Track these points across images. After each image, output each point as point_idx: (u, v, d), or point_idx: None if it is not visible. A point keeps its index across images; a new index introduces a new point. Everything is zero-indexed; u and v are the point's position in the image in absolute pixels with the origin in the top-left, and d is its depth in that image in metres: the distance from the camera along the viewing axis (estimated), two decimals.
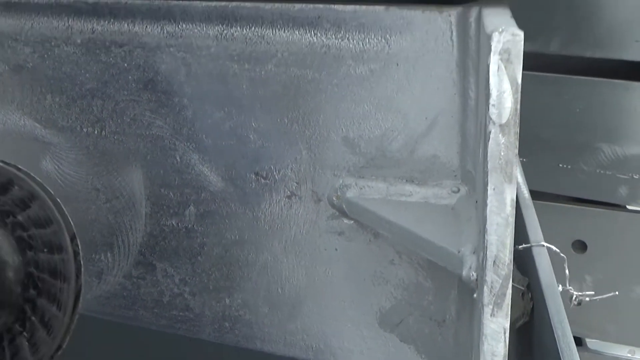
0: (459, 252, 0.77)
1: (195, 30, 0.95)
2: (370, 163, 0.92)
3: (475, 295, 0.74)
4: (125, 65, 0.99)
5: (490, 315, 0.70)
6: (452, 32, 0.85)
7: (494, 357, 0.70)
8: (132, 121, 1.01)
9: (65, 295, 0.91)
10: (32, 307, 0.91)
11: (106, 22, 0.98)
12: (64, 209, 0.92)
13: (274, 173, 0.97)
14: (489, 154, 0.66)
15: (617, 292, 1.20)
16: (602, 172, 1.54)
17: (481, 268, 0.71)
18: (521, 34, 0.64)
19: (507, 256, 0.69)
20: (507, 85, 0.65)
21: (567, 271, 0.95)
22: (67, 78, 1.02)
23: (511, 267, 0.70)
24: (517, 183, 1.16)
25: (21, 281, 0.90)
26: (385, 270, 0.95)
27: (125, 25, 0.97)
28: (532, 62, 1.55)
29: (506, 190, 0.68)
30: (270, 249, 1.00)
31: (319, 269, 0.98)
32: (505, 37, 0.64)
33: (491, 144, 0.66)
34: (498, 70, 0.65)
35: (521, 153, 1.53)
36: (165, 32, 0.96)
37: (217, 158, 0.99)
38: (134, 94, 0.99)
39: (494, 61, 0.65)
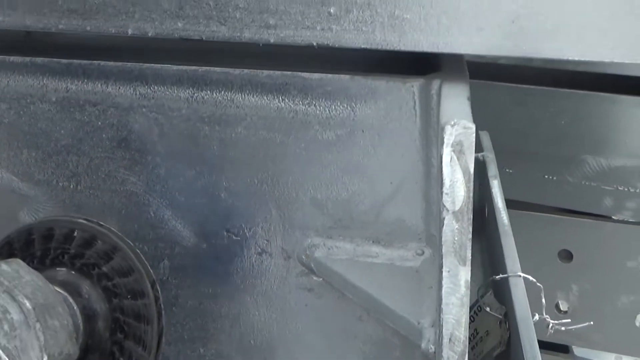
0: (418, 323, 0.80)
1: (167, 92, 0.97)
2: (338, 224, 0.94)
3: None
4: (100, 123, 1.01)
5: None
6: (414, 102, 0.87)
7: None
8: (107, 177, 1.03)
9: (149, 336, 0.98)
10: (119, 349, 0.98)
11: (80, 81, 1.00)
12: (143, 258, 1.00)
13: (245, 230, 0.99)
14: (443, 239, 0.69)
15: (592, 322, 1.23)
16: (587, 183, 1.57)
17: (438, 343, 0.74)
18: (473, 126, 0.67)
19: (462, 334, 0.72)
20: (459, 175, 0.67)
21: (543, 300, 0.98)
22: (43, 134, 1.03)
23: (467, 343, 0.72)
24: (497, 209, 1.19)
25: (109, 326, 0.97)
26: (354, 326, 0.98)
27: (99, 85, 0.99)
28: (519, 74, 1.57)
29: (460, 272, 0.70)
30: (242, 302, 1.02)
31: (289, 322, 1.01)
32: (458, 130, 0.67)
33: (445, 229, 0.69)
34: (451, 161, 0.67)
35: (508, 164, 1.56)
36: (138, 93, 0.98)
37: (189, 215, 1.01)
38: (108, 151, 1.01)
39: (447, 153, 0.67)
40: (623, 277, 1.65)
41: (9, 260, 0.86)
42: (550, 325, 1.04)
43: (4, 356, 0.76)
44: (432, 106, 0.86)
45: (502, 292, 1.00)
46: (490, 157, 1.17)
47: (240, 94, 0.94)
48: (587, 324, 1.22)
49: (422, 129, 0.87)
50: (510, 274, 0.99)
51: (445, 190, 0.68)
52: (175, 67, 0.96)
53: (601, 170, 1.55)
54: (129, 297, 0.98)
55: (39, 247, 0.99)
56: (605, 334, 1.74)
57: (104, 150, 1.02)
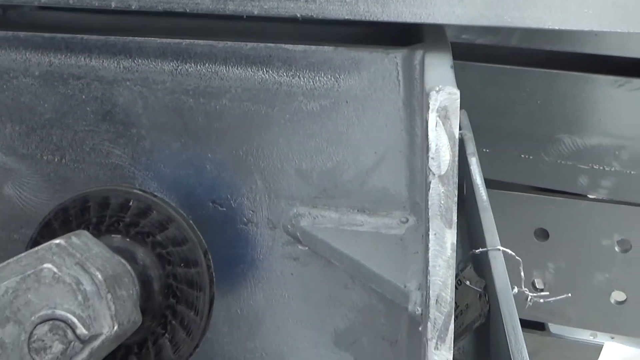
0: (405, 287, 0.81)
1: (151, 66, 0.97)
2: (323, 194, 0.96)
3: (420, 328, 0.79)
4: (83, 97, 1.01)
5: (434, 349, 0.75)
6: (398, 72, 0.88)
7: None
8: (92, 150, 1.03)
9: (201, 302, 1.00)
10: (172, 313, 1.00)
11: (63, 55, 1.00)
12: (196, 229, 1.01)
13: (230, 201, 1.00)
14: (429, 203, 0.71)
15: (570, 294, 1.25)
16: (563, 162, 1.58)
17: (425, 305, 0.75)
18: (457, 92, 0.68)
19: (449, 295, 0.73)
20: (444, 140, 0.69)
21: (522, 273, 0.99)
22: (27, 108, 1.04)
23: (453, 304, 0.74)
24: (476, 185, 1.21)
25: (162, 292, 0.99)
26: (340, 294, 0.99)
27: (82, 59, 1.00)
28: (494, 54, 1.58)
29: (446, 234, 0.72)
30: (228, 272, 1.03)
31: (276, 291, 1.02)
32: (443, 96, 0.68)
33: (431, 193, 0.70)
34: (436, 126, 0.69)
35: (484, 144, 1.58)
36: (122, 66, 0.98)
37: (175, 186, 1.02)
38: (93, 124, 1.02)
39: (432, 118, 0.69)
40: (598, 254, 1.67)
41: (77, 232, 0.88)
42: (529, 298, 1.06)
43: (79, 324, 0.79)
44: (415, 76, 0.87)
45: (481, 266, 1.02)
46: (468, 135, 1.18)
47: (224, 66, 0.95)
48: (565, 295, 1.24)
49: (406, 98, 0.89)
50: (489, 248, 1.01)
51: (431, 154, 0.70)
52: (158, 40, 0.97)
53: (576, 149, 1.56)
54: (182, 265, 0.99)
55: (95, 215, 1.00)
56: (580, 311, 1.76)
57: (89, 124, 1.02)
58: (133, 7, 0.90)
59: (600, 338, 2.03)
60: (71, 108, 1.02)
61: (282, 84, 0.93)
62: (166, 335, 0.99)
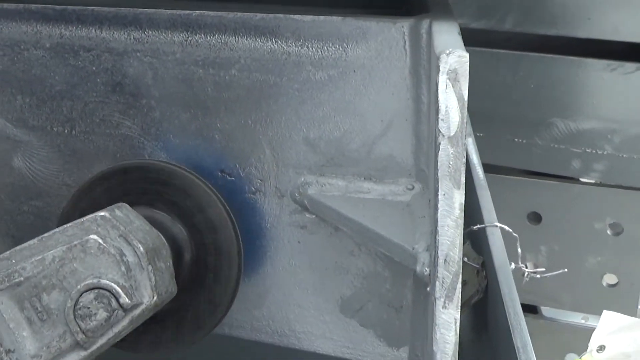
0: (413, 249, 0.84)
1: (161, 37, 0.99)
2: (330, 162, 0.98)
3: (428, 288, 0.81)
4: (94, 68, 1.03)
5: (442, 307, 0.77)
6: (405, 41, 0.90)
7: (446, 345, 0.77)
8: (102, 121, 1.05)
9: (229, 272, 1.01)
10: (201, 283, 1.01)
11: (74, 27, 1.02)
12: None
13: (239, 171, 1.02)
14: (439, 163, 0.73)
15: (566, 270, 1.27)
16: (556, 146, 1.60)
17: (433, 265, 0.78)
18: (467, 55, 0.70)
19: (457, 254, 0.75)
20: (454, 102, 0.71)
21: (519, 249, 1.02)
22: (37, 80, 1.05)
23: (460, 264, 0.76)
24: (472, 164, 1.23)
25: (193, 261, 1.01)
26: (346, 261, 1.02)
27: (93, 31, 1.01)
28: (488, 39, 1.60)
29: (455, 195, 0.74)
30: None
31: (283, 259, 1.04)
32: (453, 59, 0.70)
33: (441, 154, 0.72)
34: (446, 88, 0.71)
35: (478, 128, 1.60)
36: (132, 38, 1.00)
37: (184, 156, 1.04)
38: (103, 95, 1.04)
39: (442, 80, 0.71)
40: (590, 238, 1.70)
41: (119, 205, 0.90)
42: (526, 273, 1.08)
43: (122, 294, 0.83)
44: (422, 45, 0.89)
45: (479, 242, 1.04)
46: None
47: (233, 37, 0.97)
48: (561, 271, 1.26)
49: (412, 67, 0.91)
50: (487, 224, 1.03)
51: (440, 116, 0.72)
52: (169, 12, 0.98)
53: (569, 133, 1.58)
54: (210, 232, 1.00)
55: (133, 186, 1.01)
56: (572, 294, 1.79)
57: (99, 95, 1.04)
58: None
59: (592, 321, 2.05)
60: (81, 80, 1.04)
61: (290, 54, 0.95)
62: (191, 306, 1.01)
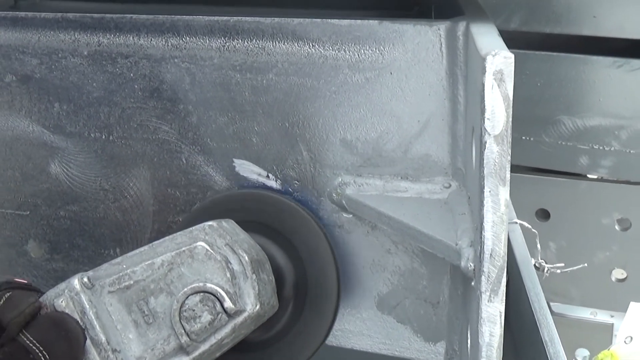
0: (456, 244, 0.86)
1: (199, 43, 1.01)
2: (367, 162, 1.00)
3: (473, 283, 0.83)
4: (131, 75, 1.05)
5: (488, 301, 0.79)
6: (441, 43, 0.93)
7: (492, 337, 0.79)
8: (139, 127, 1.07)
9: (326, 306, 1.03)
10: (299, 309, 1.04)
11: (112, 35, 1.04)
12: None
13: (276, 172, 1.04)
14: (484, 161, 0.75)
15: (585, 264, 1.29)
16: (563, 143, 1.61)
17: (478, 260, 0.80)
18: (512, 56, 0.73)
19: (502, 249, 0.78)
20: (500, 102, 0.73)
21: (538, 246, 1.04)
22: (75, 87, 1.07)
23: (505, 258, 0.78)
24: None
25: (294, 284, 1.03)
26: (383, 259, 1.04)
27: (131, 38, 1.03)
28: None
29: (500, 191, 0.76)
30: None
31: None
32: (499, 60, 0.73)
33: (487, 152, 0.75)
34: (492, 88, 0.73)
35: None
36: (170, 44, 1.02)
37: (221, 160, 1.06)
38: (140, 101, 1.06)
39: (489, 81, 0.73)
40: (598, 233, 1.71)
41: (226, 219, 0.94)
42: (546, 269, 1.10)
43: (227, 298, 0.86)
44: (458, 46, 0.92)
45: None
46: None
47: (271, 42, 0.99)
48: (581, 265, 1.28)
49: (449, 68, 0.93)
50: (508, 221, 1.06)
51: (487, 115, 0.74)
52: (206, 18, 1.00)
53: (576, 130, 1.59)
54: (311, 260, 1.02)
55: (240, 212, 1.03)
56: (581, 289, 1.80)
57: (136, 101, 1.06)
58: None
59: (601, 316, 2.08)
60: (119, 86, 1.06)
61: (327, 57, 0.97)
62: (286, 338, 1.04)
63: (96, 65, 1.06)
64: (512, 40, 1.64)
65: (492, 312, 0.79)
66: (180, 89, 1.04)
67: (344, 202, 1.01)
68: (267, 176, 1.05)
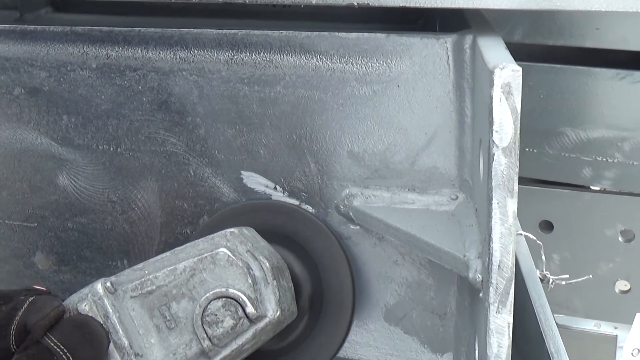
0: (464, 256, 0.86)
1: (207, 56, 1.02)
2: (375, 174, 1.01)
3: (481, 295, 0.84)
4: (140, 87, 1.05)
5: (496, 312, 0.79)
6: (448, 56, 0.93)
7: (500, 349, 0.80)
8: (147, 139, 1.08)
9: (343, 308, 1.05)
10: (315, 320, 1.05)
11: (120, 48, 1.05)
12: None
13: (284, 185, 1.05)
14: (493, 173, 0.76)
15: (590, 276, 1.29)
16: (566, 155, 1.62)
17: (487, 271, 0.80)
18: (520, 69, 0.74)
19: (510, 260, 0.78)
20: (508, 114, 0.74)
21: (543, 257, 1.04)
22: (83, 100, 1.08)
23: (513, 269, 0.79)
24: None
25: (309, 298, 1.05)
26: (390, 270, 1.04)
27: (139, 51, 1.04)
28: None
29: (508, 203, 0.77)
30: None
31: None
32: (507, 73, 0.73)
33: (495, 164, 0.75)
34: (500, 101, 0.74)
35: None
36: (178, 57, 1.03)
37: (229, 172, 1.06)
38: (149, 114, 1.06)
39: (497, 94, 0.74)
40: (602, 245, 1.71)
41: (246, 227, 0.95)
42: (551, 280, 1.10)
43: (249, 303, 0.87)
44: (465, 59, 0.92)
45: None
46: None
47: (279, 55, 1.00)
48: (586, 277, 1.29)
49: (456, 81, 0.94)
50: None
51: (495, 128, 0.74)
52: (215, 31, 1.01)
53: (580, 142, 1.60)
54: (328, 272, 1.04)
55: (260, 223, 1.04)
56: (585, 301, 1.80)
57: (144, 113, 1.07)
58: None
59: (605, 328, 2.07)
60: (127, 99, 1.06)
61: (335, 70, 0.98)
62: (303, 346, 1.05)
63: (104, 78, 1.06)
64: (515, 52, 1.64)
65: (500, 324, 0.79)
66: (188, 101, 1.04)
67: (351, 213, 1.02)
68: (275, 188, 1.05)
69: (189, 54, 1.03)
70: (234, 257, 0.88)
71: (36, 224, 1.17)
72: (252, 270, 0.88)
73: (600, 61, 1.56)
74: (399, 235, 0.96)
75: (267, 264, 0.89)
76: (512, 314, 0.80)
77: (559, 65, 1.57)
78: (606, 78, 1.53)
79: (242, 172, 1.06)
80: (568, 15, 1.51)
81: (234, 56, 1.01)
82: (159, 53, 1.04)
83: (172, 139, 1.07)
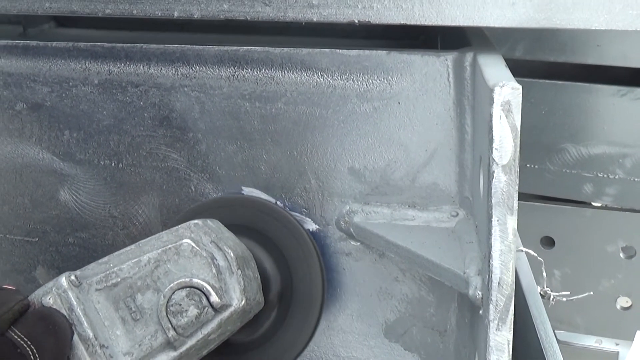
0: (464, 273, 0.86)
1: (208, 72, 1.02)
2: (375, 191, 1.01)
3: (481, 312, 0.84)
4: (141, 103, 1.06)
5: (496, 330, 0.79)
6: (448, 74, 0.94)
7: None
8: (148, 154, 1.08)
9: (312, 298, 1.05)
10: (284, 312, 1.05)
11: (122, 64, 1.05)
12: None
13: (285, 201, 1.05)
14: (492, 190, 0.76)
15: (591, 292, 1.29)
16: (567, 171, 1.61)
17: (486, 288, 0.80)
18: (520, 87, 0.74)
19: (510, 278, 0.78)
20: (507, 132, 0.74)
21: (544, 273, 1.04)
22: (85, 115, 1.08)
23: (513, 287, 0.79)
24: None
25: (278, 290, 1.05)
26: (390, 287, 1.04)
27: (141, 67, 1.05)
28: None
29: (508, 220, 0.77)
30: None
31: (328, 286, 1.07)
32: (506, 91, 0.74)
33: (494, 182, 0.76)
34: (500, 119, 0.74)
35: None
36: (180, 73, 1.03)
37: (230, 187, 1.07)
38: (150, 129, 1.07)
39: (497, 111, 0.74)
40: (603, 261, 1.71)
41: (211, 219, 0.96)
42: (552, 297, 1.10)
43: (213, 292, 0.88)
44: (465, 77, 0.93)
45: None
46: None
47: (280, 71, 1.00)
48: (587, 294, 1.28)
49: (456, 98, 0.94)
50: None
51: (495, 146, 0.75)
52: (216, 48, 1.02)
53: (581, 158, 1.60)
54: (296, 263, 1.04)
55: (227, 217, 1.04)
56: (586, 317, 1.79)
57: (146, 129, 1.07)
58: (195, 17, 0.95)
59: (606, 344, 2.07)
60: (129, 114, 1.07)
61: (336, 87, 0.98)
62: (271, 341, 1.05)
63: (106, 93, 1.07)
64: (517, 68, 1.65)
65: (500, 341, 0.79)
66: (190, 117, 1.05)
67: (351, 230, 1.02)
68: (276, 204, 1.05)
69: (190, 70, 1.03)
70: (197, 248, 0.89)
71: (37, 239, 1.17)
72: (216, 260, 0.89)
73: (601, 78, 1.56)
74: (399, 251, 0.96)
75: (232, 254, 0.90)
76: (512, 331, 0.80)
77: (560, 82, 1.57)
78: (607, 95, 1.53)
79: (243, 187, 1.06)
80: (569, 32, 1.51)
81: (235, 72, 1.02)
82: (161, 69, 1.04)
83: (174, 155, 1.07)
